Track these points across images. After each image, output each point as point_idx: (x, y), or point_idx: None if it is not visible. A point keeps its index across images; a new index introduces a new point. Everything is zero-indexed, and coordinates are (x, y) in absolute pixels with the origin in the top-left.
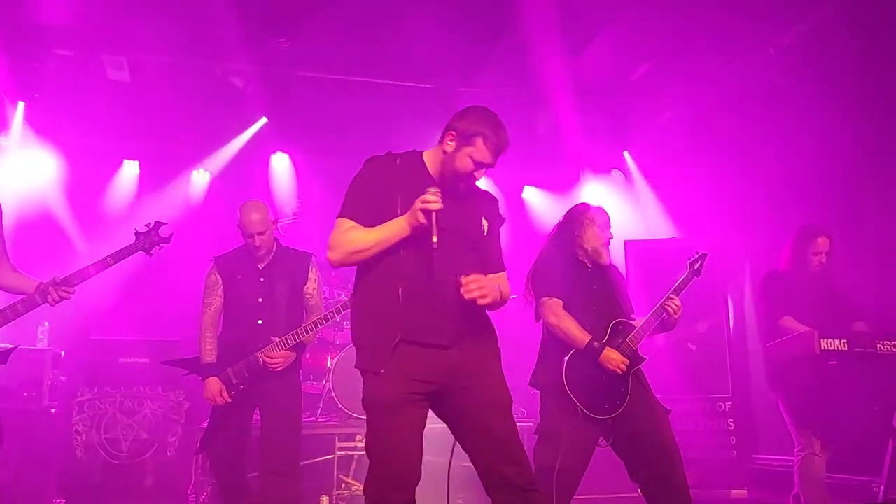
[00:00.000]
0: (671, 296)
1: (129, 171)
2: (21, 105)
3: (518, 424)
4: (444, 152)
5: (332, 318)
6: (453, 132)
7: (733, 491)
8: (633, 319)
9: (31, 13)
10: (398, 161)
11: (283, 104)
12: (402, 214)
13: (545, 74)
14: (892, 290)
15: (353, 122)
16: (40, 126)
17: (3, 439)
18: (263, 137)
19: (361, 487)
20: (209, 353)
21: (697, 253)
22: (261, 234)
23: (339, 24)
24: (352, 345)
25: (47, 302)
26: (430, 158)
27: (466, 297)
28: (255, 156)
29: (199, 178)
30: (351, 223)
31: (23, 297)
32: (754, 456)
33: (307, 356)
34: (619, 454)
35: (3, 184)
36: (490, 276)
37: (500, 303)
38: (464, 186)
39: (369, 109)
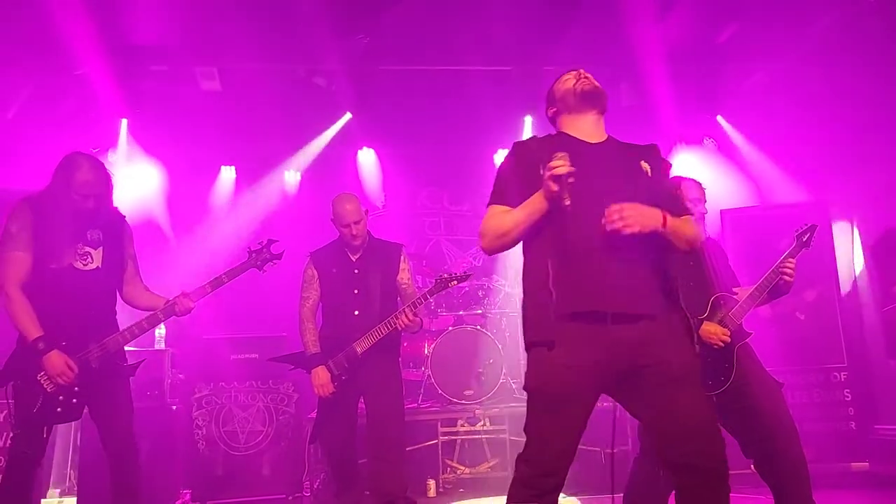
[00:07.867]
0: (789, 259)
1: (227, 176)
2: (125, 122)
3: (605, 405)
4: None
5: (421, 303)
6: (553, 107)
7: (854, 464)
8: (736, 293)
9: (126, 35)
10: (541, 142)
11: (367, 99)
12: None
13: (627, 45)
14: None
15: (436, 111)
16: (143, 141)
17: (138, 436)
18: (349, 134)
19: (467, 470)
20: (313, 345)
21: (806, 224)
22: (357, 223)
23: (415, 13)
24: (448, 330)
25: (175, 314)
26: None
27: (609, 228)
28: (342, 152)
29: (291, 178)
30: (499, 208)
31: (149, 314)
32: (875, 427)
33: (405, 344)
34: (729, 431)
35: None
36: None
37: (678, 239)
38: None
39: (451, 97)
